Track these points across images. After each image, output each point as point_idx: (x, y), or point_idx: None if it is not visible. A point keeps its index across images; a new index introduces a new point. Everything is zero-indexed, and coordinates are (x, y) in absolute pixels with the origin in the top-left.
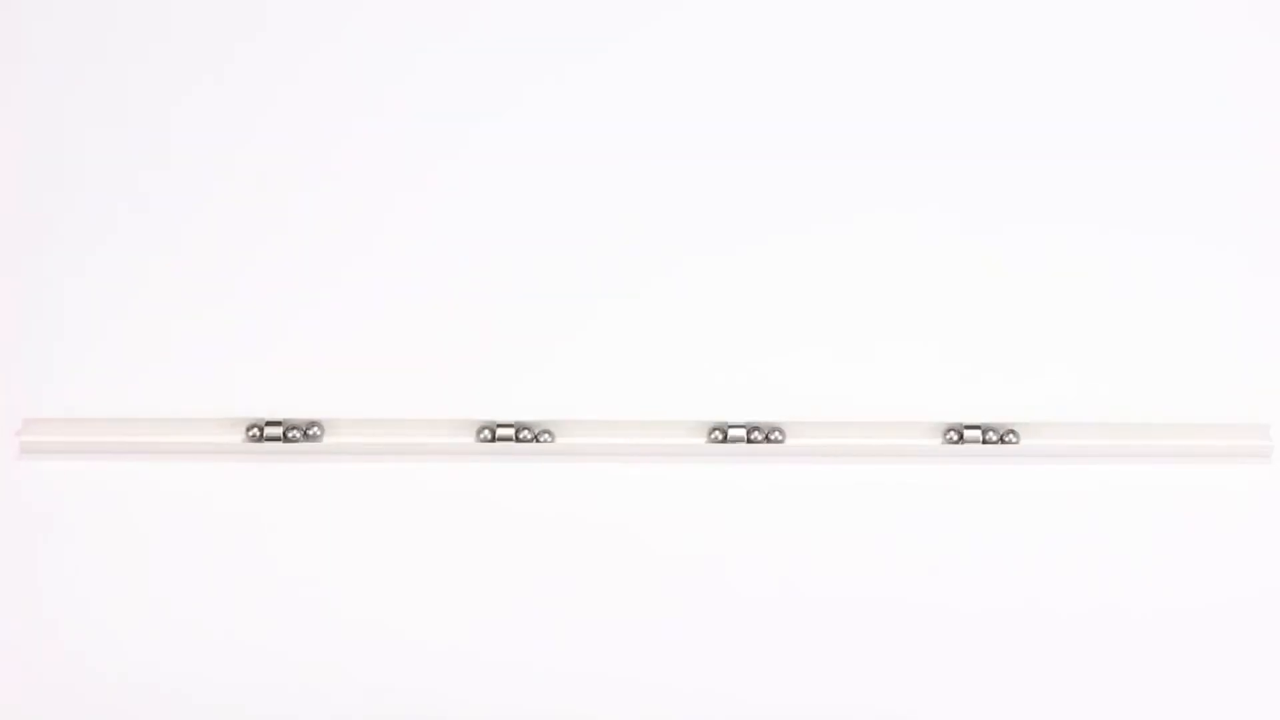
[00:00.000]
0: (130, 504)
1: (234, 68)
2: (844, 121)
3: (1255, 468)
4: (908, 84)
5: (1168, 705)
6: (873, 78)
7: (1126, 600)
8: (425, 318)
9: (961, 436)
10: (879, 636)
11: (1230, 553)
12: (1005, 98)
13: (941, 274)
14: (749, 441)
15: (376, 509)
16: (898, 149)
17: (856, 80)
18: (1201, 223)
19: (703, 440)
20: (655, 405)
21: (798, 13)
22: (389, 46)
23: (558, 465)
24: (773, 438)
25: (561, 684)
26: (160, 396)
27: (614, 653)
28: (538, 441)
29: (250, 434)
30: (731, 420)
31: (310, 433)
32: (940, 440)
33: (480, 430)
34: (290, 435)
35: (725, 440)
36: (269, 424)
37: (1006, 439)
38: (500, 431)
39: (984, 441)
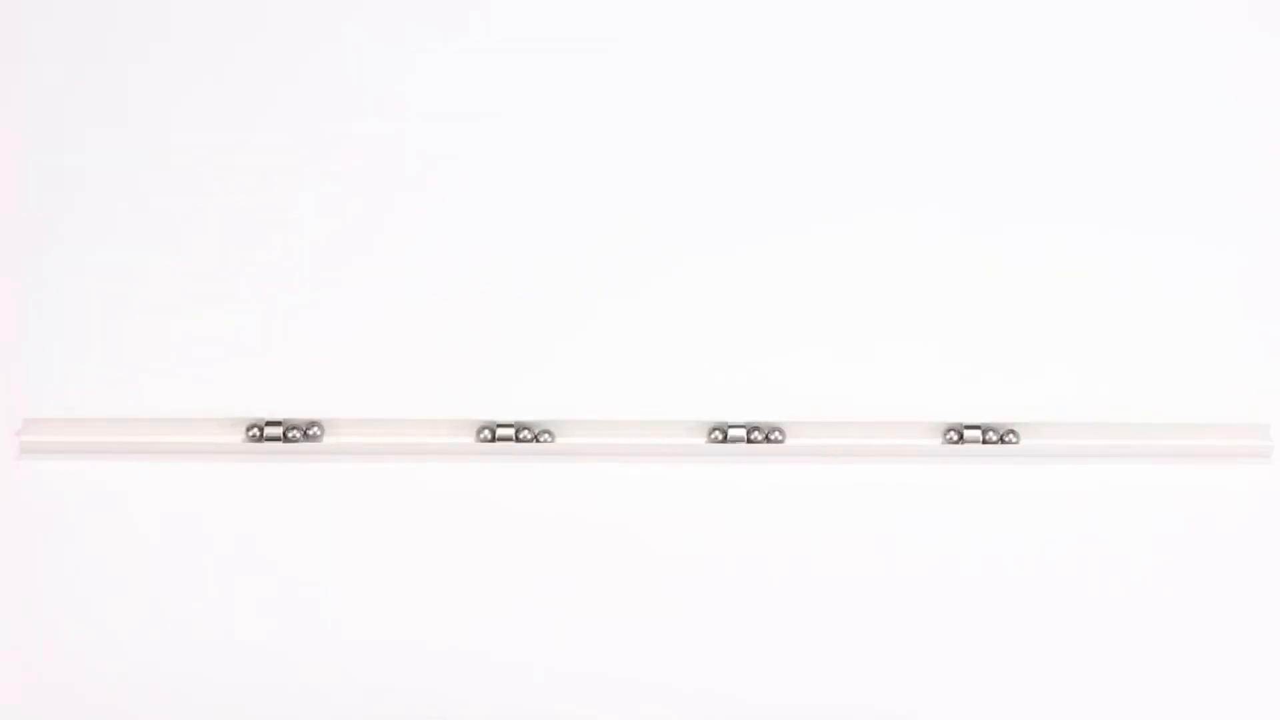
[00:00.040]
0: (130, 504)
1: (234, 68)
2: (843, 122)
3: (1255, 468)
4: (907, 84)
5: (1168, 705)
6: (873, 78)
7: (1126, 600)
8: (425, 318)
9: (961, 436)
10: (879, 636)
11: (1230, 553)
12: (1005, 98)
13: (941, 274)
14: (749, 441)
15: (376, 509)
16: (898, 149)
17: (856, 80)
18: (1201, 223)
19: (703, 440)
20: (655, 405)
21: (798, 13)
22: (389, 46)
23: (558, 465)
24: (773, 438)
25: (561, 684)
26: (160, 396)
27: (614, 653)
28: (538, 441)
29: (250, 434)
30: (731, 420)
31: (310, 433)
32: (940, 440)
33: (480, 430)
34: (290, 435)
35: (725, 440)
36: (269, 424)
37: (1006, 439)
38: (500, 431)
39: (984, 441)
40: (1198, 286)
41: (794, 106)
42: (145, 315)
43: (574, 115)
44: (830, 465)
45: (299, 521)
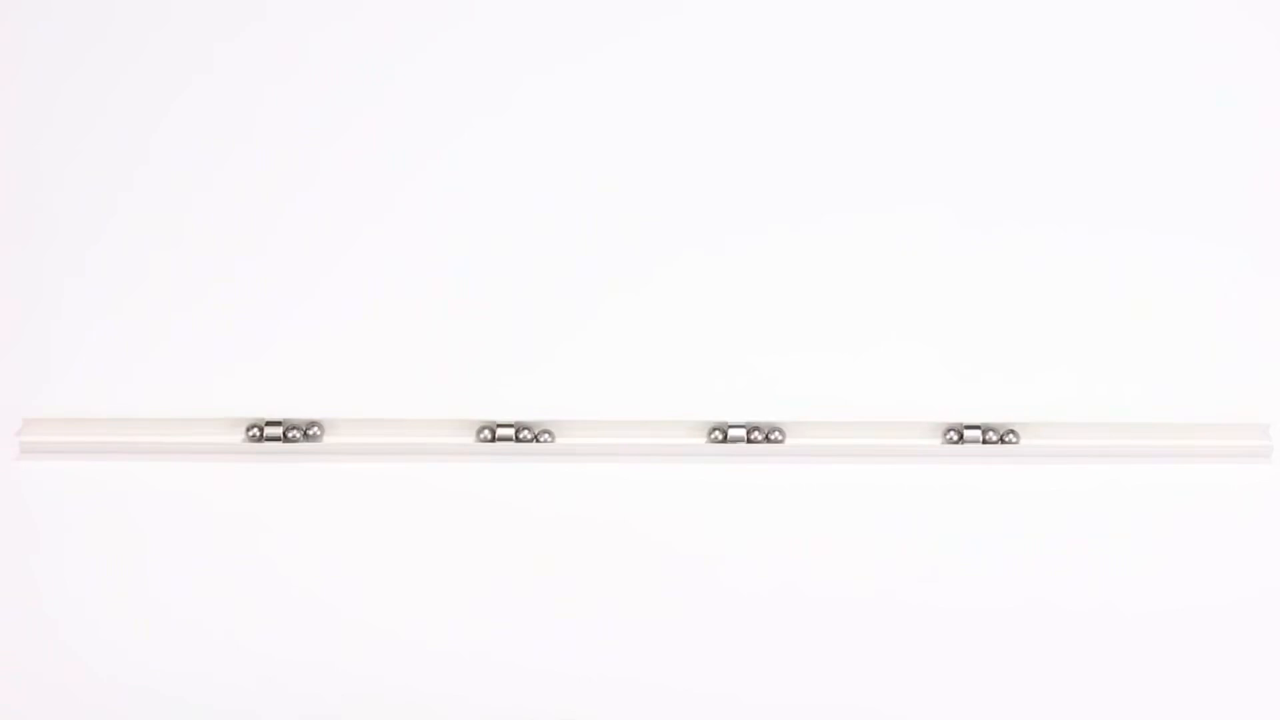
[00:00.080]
0: (130, 504)
1: (233, 65)
2: (843, 122)
3: (1255, 468)
4: (907, 84)
5: (1168, 705)
6: (873, 77)
7: (1126, 600)
8: (425, 317)
9: (961, 436)
10: (879, 636)
11: (1230, 553)
12: (1005, 98)
13: (942, 274)
14: (749, 441)
15: (376, 509)
16: (897, 149)
17: (856, 80)
18: (1201, 223)
19: (703, 440)
20: (655, 405)
21: (800, 11)
22: (389, 45)
23: (558, 465)
24: (773, 438)
25: (562, 684)
26: (160, 396)
27: (614, 652)
28: (538, 441)
29: (250, 434)
30: (731, 420)
31: (310, 433)
32: (940, 440)
33: (480, 430)
34: (290, 435)
35: (725, 440)
36: (269, 424)
37: (1006, 439)
38: (500, 431)
39: (984, 441)
40: (1198, 286)
41: (792, 107)
42: (145, 315)
43: (574, 114)
44: (830, 465)
45: (299, 521)
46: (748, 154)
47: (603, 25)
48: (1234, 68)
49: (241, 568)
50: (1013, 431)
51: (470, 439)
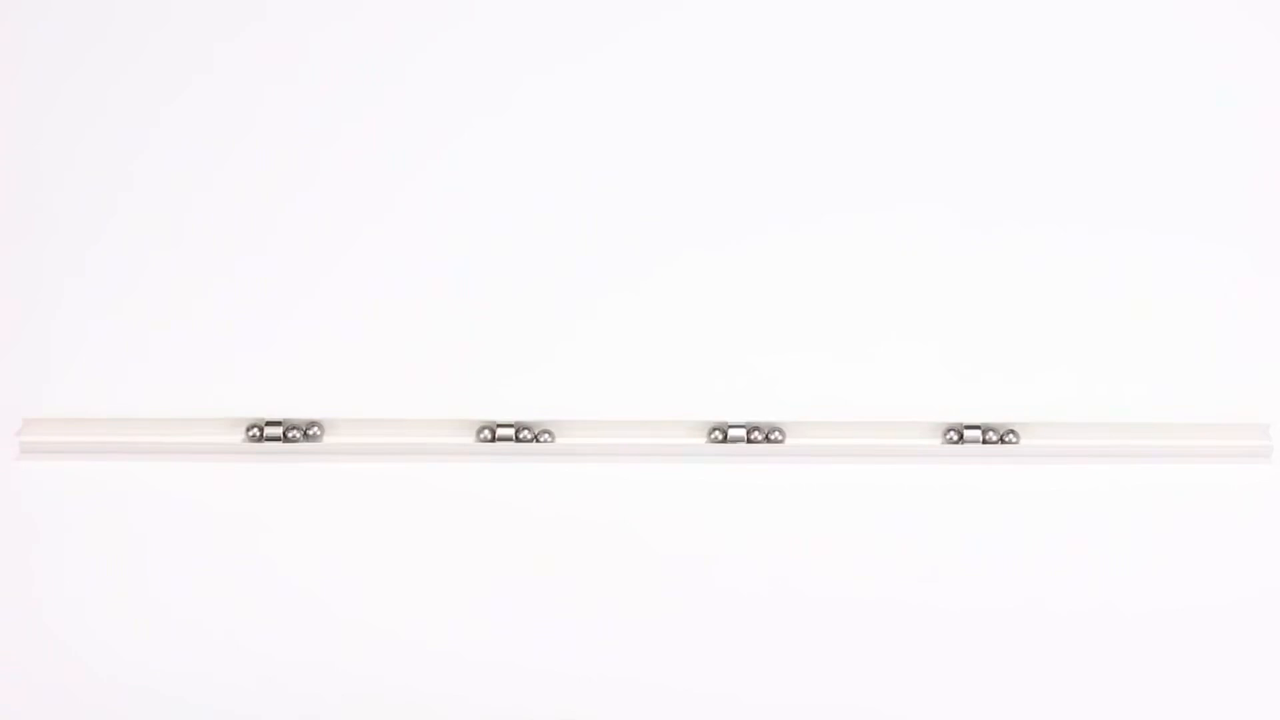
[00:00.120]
0: (130, 504)
1: (233, 65)
2: (842, 121)
3: (1255, 468)
4: (907, 84)
5: (1167, 705)
6: (873, 77)
7: (1126, 600)
8: (425, 317)
9: (961, 436)
10: (879, 636)
11: (1230, 553)
12: (1005, 97)
13: (942, 274)
14: (749, 441)
15: (376, 509)
16: (897, 148)
17: (855, 80)
18: (1201, 223)
19: (703, 440)
20: (655, 405)
21: (799, 11)
22: (389, 45)
23: (558, 465)
24: (773, 438)
25: (561, 684)
26: (160, 396)
27: (614, 652)
28: (538, 441)
29: (250, 434)
30: (731, 420)
31: (310, 433)
32: (940, 440)
33: (480, 430)
34: (290, 435)
35: (725, 440)
36: (269, 424)
37: (1006, 439)
38: (500, 431)
39: (984, 441)
40: (1198, 286)
41: (790, 107)
42: (145, 315)
43: (573, 114)
44: (830, 465)
45: (299, 521)
46: (747, 154)
47: (602, 25)
48: (1234, 68)
49: (241, 568)
50: (1013, 431)
51: (470, 439)
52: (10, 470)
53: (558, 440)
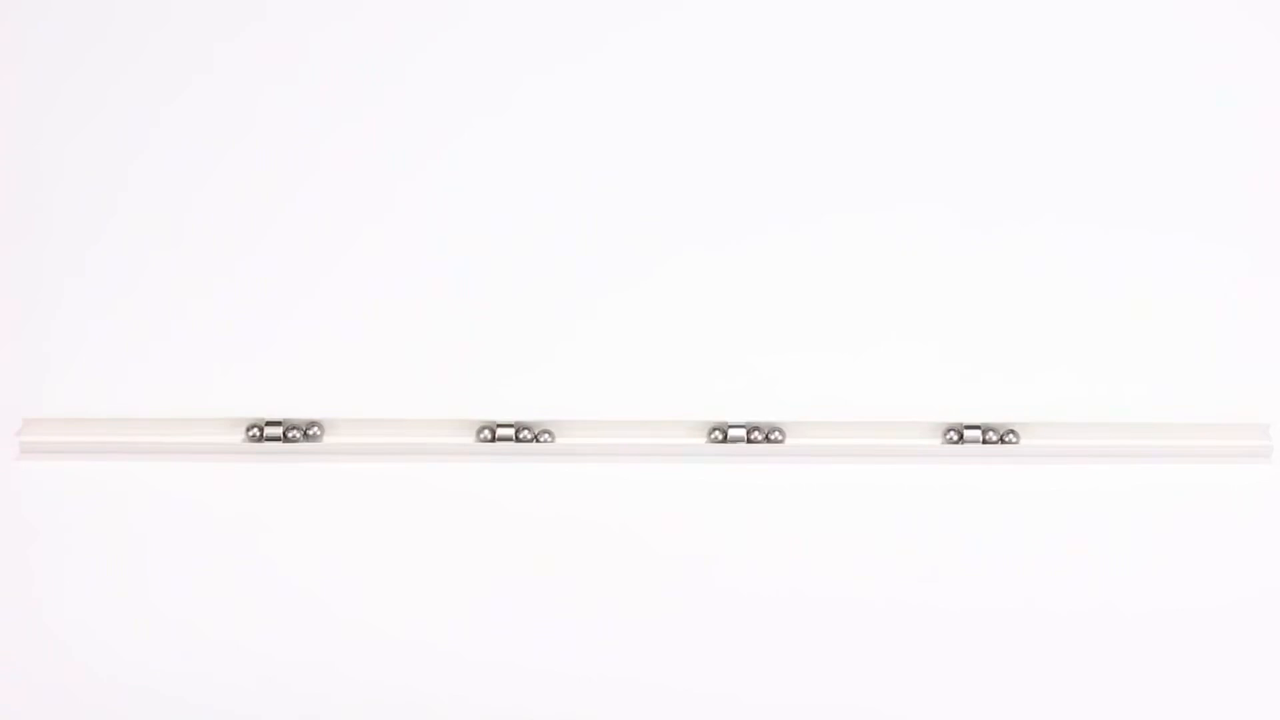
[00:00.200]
0: (130, 504)
1: (233, 65)
2: (842, 121)
3: (1255, 468)
4: (907, 83)
5: (1168, 705)
6: (872, 77)
7: (1126, 600)
8: (425, 317)
9: (961, 436)
10: (879, 636)
11: (1230, 553)
12: (1005, 97)
13: (942, 273)
14: (749, 441)
15: (376, 509)
16: (897, 148)
17: (855, 79)
18: (1201, 223)
19: (703, 440)
20: (655, 405)
21: (799, 11)
22: (389, 45)
23: (558, 465)
24: (773, 438)
25: (561, 684)
26: (160, 396)
27: (614, 652)
28: (538, 441)
29: (250, 434)
30: (731, 420)
31: (310, 433)
32: (940, 440)
33: (480, 430)
34: (290, 435)
35: (725, 440)
36: (269, 424)
37: (1006, 439)
38: (500, 431)
39: (984, 441)
40: (1198, 286)
41: (790, 106)
42: (145, 315)
43: (573, 113)
44: (830, 465)
45: (299, 521)
46: (747, 154)
47: (602, 25)
48: (1234, 68)
49: (241, 568)
50: (1013, 431)
51: (470, 439)
52: (10, 470)
53: (558, 440)
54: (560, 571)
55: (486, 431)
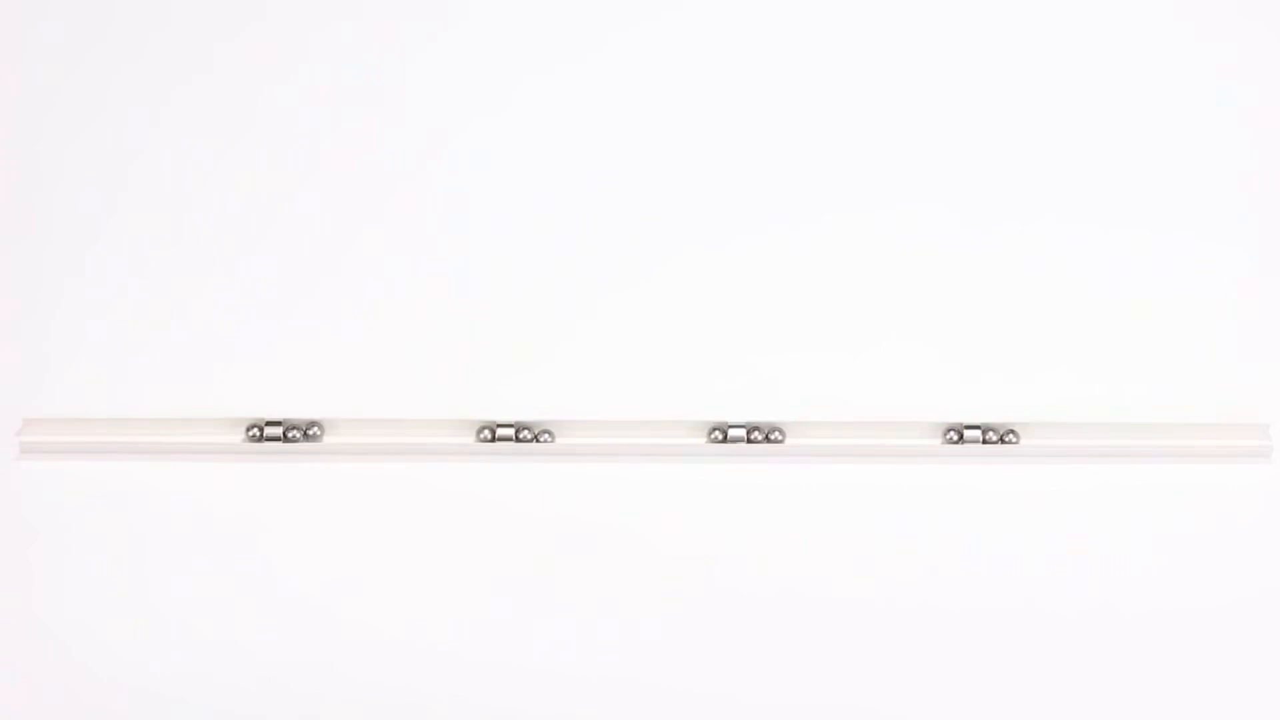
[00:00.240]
0: (130, 504)
1: (233, 65)
2: (842, 121)
3: (1255, 468)
4: (907, 83)
5: (1167, 705)
6: (872, 77)
7: (1126, 600)
8: (425, 317)
9: (961, 436)
10: (879, 637)
11: (1230, 553)
12: (1005, 97)
13: (942, 274)
14: (749, 441)
15: (376, 509)
16: (897, 148)
17: (855, 79)
18: (1201, 223)
19: (703, 440)
20: (655, 405)
21: (799, 11)
22: (389, 45)
23: (558, 465)
24: (773, 438)
25: (561, 684)
26: (160, 396)
27: (614, 652)
28: (538, 441)
29: (250, 434)
30: (731, 420)
31: (310, 433)
32: (940, 440)
33: (480, 430)
34: (290, 435)
35: (725, 440)
36: (269, 424)
37: (1006, 439)
38: (500, 431)
39: (984, 441)
40: (1198, 286)
41: (790, 106)
42: (145, 315)
43: (573, 113)
44: (830, 465)
45: (299, 521)
46: (747, 153)
47: (602, 25)
48: (1234, 68)
49: (241, 568)
50: (1013, 431)
51: (470, 439)
52: (10, 470)
53: (558, 440)
54: (560, 571)
55: (486, 431)
